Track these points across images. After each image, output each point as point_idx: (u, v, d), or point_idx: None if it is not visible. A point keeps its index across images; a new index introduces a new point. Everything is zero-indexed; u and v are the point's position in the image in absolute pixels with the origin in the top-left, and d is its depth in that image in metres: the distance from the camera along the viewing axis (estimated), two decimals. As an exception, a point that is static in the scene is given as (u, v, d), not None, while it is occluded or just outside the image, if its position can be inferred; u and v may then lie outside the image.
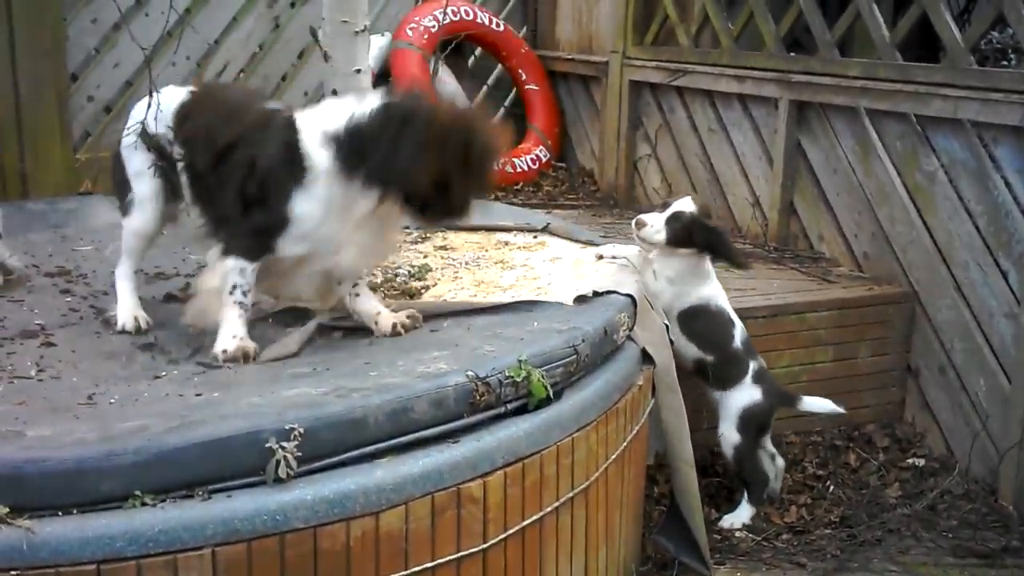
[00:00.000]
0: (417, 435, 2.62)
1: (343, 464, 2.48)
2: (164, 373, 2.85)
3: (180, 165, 3.27)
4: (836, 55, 5.18)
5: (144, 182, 3.36)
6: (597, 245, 4.17)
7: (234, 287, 3.08)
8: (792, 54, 5.62)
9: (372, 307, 3.28)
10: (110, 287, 3.65)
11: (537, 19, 7.34)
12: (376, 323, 3.24)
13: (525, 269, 3.88)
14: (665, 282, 3.95)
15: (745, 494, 4.05)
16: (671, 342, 3.71)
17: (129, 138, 3.38)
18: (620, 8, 6.47)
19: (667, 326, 3.74)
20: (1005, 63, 7.14)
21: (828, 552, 3.87)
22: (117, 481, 2.23)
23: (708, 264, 4.01)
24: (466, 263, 3.98)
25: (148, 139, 3.30)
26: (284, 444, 2.37)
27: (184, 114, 3.29)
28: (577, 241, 4.29)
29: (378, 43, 6.27)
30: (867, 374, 4.73)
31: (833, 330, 4.65)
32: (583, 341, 3.08)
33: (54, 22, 5.46)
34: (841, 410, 4.13)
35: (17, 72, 5.33)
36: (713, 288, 4.03)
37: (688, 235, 3.88)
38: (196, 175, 3.22)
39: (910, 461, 4.56)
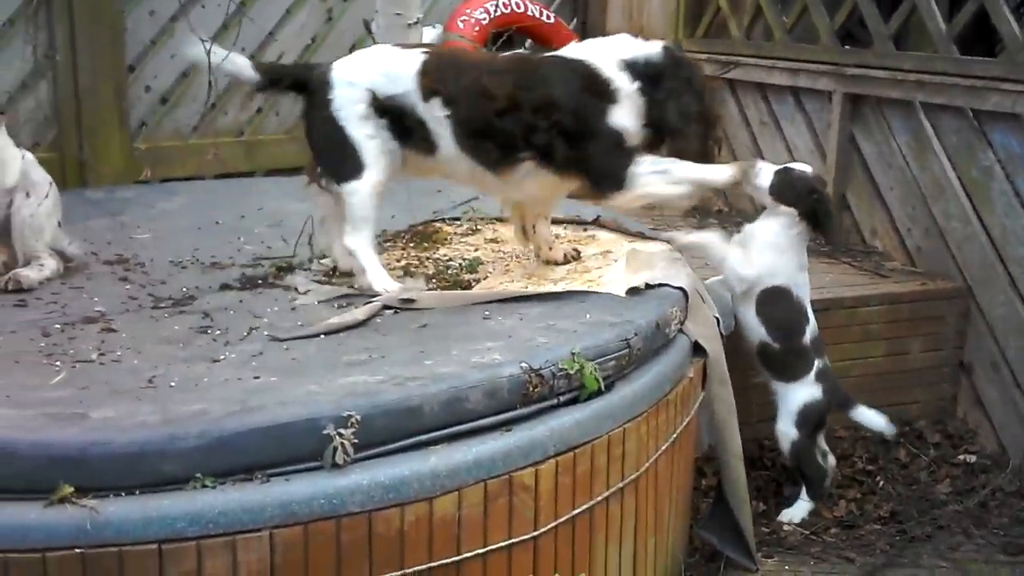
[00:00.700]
0: (471, 425, 2.65)
1: (399, 451, 2.52)
2: (222, 356, 2.89)
3: (444, 121, 3.45)
4: (891, 48, 5.14)
5: (374, 144, 3.49)
6: (648, 238, 4.17)
7: (657, 168, 3.48)
8: (846, 47, 5.57)
9: (548, 236, 3.80)
10: (168, 276, 3.73)
11: (588, 11, 7.32)
12: (550, 248, 3.80)
13: (576, 262, 3.89)
14: (759, 251, 3.89)
15: (803, 489, 4.03)
16: (722, 335, 3.71)
17: (348, 108, 3.47)
18: (670, 4, 6.46)
19: (718, 319, 3.73)
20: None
21: (877, 547, 3.85)
22: (179, 464, 2.28)
23: (805, 249, 3.97)
24: (517, 256, 3.99)
25: (381, 105, 3.46)
26: (341, 431, 2.41)
27: (434, 74, 3.46)
28: (628, 233, 4.29)
29: (429, 35, 6.29)
30: (919, 369, 4.70)
31: (885, 325, 4.62)
32: (636, 335, 3.09)
33: (113, 15, 5.54)
34: (892, 428, 4.11)
35: (77, 64, 5.41)
36: (802, 278, 3.99)
37: (792, 192, 3.85)
38: (475, 130, 3.44)
39: (961, 457, 4.53)
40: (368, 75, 3.49)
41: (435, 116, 3.46)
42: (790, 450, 4.00)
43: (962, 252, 4.70)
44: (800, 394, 3.97)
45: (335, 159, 3.54)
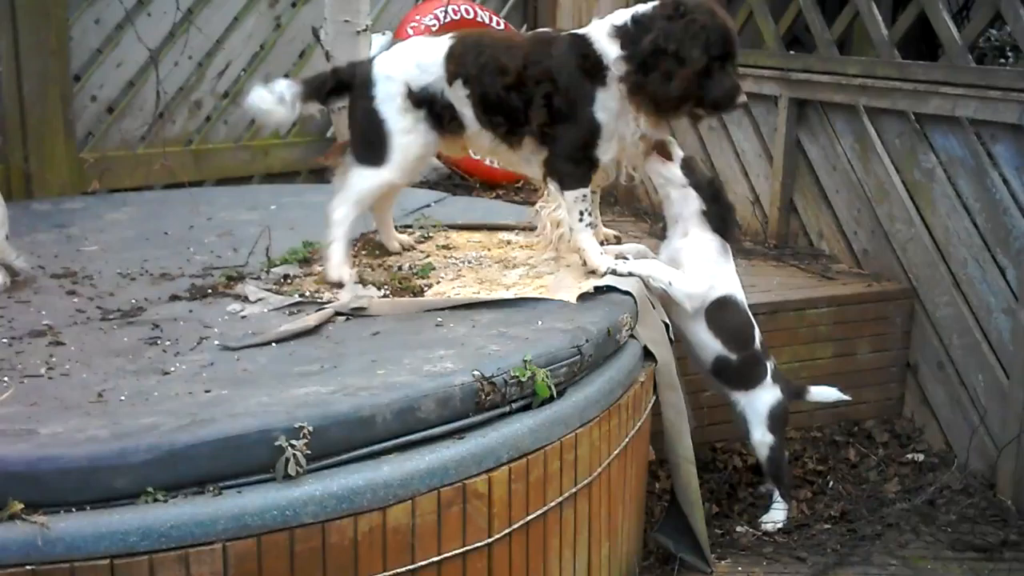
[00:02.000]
0: (424, 433, 2.66)
1: (351, 461, 2.52)
2: (172, 368, 2.88)
3: (465, 100, 3.63)
4: (835, 53, 5.22)
5: (411, 137, 3.69)
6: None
7: (581, 213, 3.63)
8: (792, 52, 5.65)
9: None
10: (116, 288, 3.70)
11: (537, 17, 7.36)
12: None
13: (527, 268, 3.91)
14: (696, 264, 3.82)
15: (776, 492, 4.05)
16: (671, 340, 3.75)
17: (390, 100, 3.66)
18: (620, 6, 6.49)
19: (667, 324, 3.77)
20: (1003, 61, 7.18)
21: (828, 547, 3.91)
22: (130, 478, 2.27)
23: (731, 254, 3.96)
24: (468, 262, 4.00)
25: (417, 97, 3.65)
26: (293, 442, 2.41)
27: (458, 57, 3.64)
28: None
29: (379, 42, 6.30)
30: (866, 370, 4.77)
31: (833, 326, 4.69)
32: (587, 341, 3.11)
33: (58, 22, 5.48)
34: (846, 397, 4.16)
35: (21, 72, 5.34)
36: (737, 283, 3.96)
37: (695, 176, 3.86)
38: (489, 104, 3.61)
39: (909, 456, 4.60)
40: (404, 68, 3.68)
41: (459, 96, 3.64)
42: (769, 456, 3.98)
43: (906, 253, 4.79)
44: (765, 398, 3.96)
45: (367, 144, 3.72)
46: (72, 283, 3.79)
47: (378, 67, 3.72)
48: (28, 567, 2.14)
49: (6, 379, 2.80)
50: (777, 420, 3.98)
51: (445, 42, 3.71)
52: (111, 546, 2.19)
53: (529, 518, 2.81)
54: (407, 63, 3.69)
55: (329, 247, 3.71)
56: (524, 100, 3.59)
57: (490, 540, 2.70)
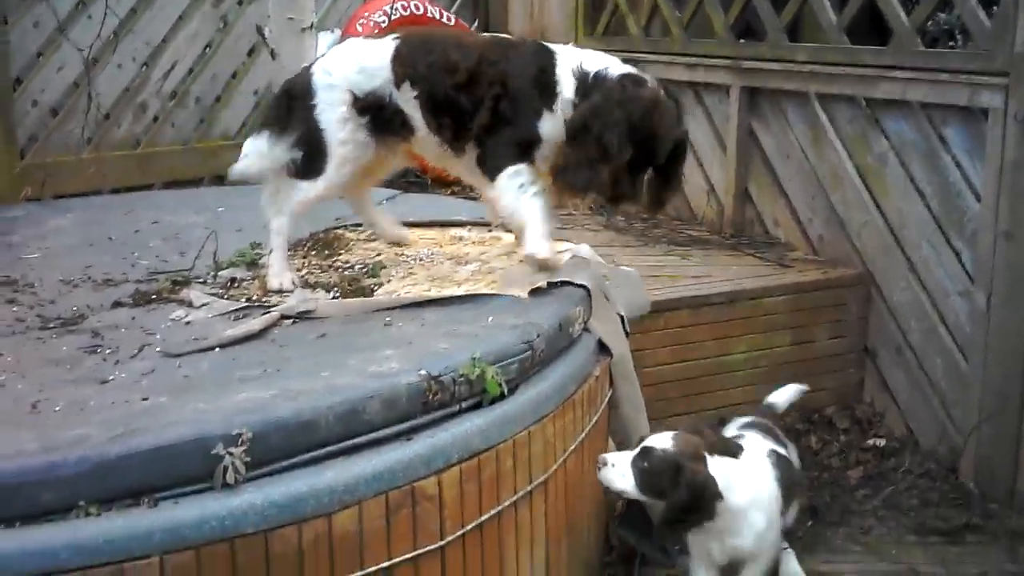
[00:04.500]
0: (369, 436, 2.58)
1: (294, 468, 2.44)
2: (111, 377, 2.79)
3: (413, 102, 3.46)
4: (785, 40, 5.20)
5: (347, 150, 3.52)
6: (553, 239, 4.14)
7: (522, 185, 3.37)
8: (742, 40, 5.62)
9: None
10: (58, 295, 3.60)
11: (488, 12, 7.30)
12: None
13: (480, 263, 3.85)
14: None
15: None
16: (627, 333, 3.70)
17: (330, 109, 3.49)
18: (570, 8, 6.47)
19: (623, 317, 3.72)
20: (952, 44, 7.19)
21: (792, 534, 3.87)
22: (59, 492, 2.18)
23: None
24: (420, 259, 3.93)
25: (360, 103, 3.48)
26: (231, 450, 2.33)
27: (405, 57, 3.47)
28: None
29: (327, 40, 6.19)
30: (825, 357, 4.76)
31: (790, 314, 4.67)
32: (538, 336, 3.05)
33: (-5, 26, 5.36)
34: (805, 387, 4.03)
35: (-42, 79, 5.22)
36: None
37: (661, 482, 3.06)
38: (436, 105, 3.44)
39: (871, 442, 4.59)
40: (347, 75, 3.50)
41: (407, 99, 3.48)
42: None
43: (861, 239, 4.77)
44: None
45: (305, 155, 3.55)
46: (12, 291, 3.68)
47: (318, 75, 3.54)
48: (-48, 588, 2.05)
49: (-63, 392, 2.70)
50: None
51: (390, 43, 3.53)
52: (40, 563, 2.10)
53: (483, 518, 2.74)
54: (350, 68, 3.51)
55: (269, 256, 3.63)
56: (473, 102, 3.41)
57: (443, 543, 2.63)
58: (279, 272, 3.58)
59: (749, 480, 3.13)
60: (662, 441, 3.09)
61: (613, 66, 3.37)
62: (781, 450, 3.42)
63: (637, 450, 3.11)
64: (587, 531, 3.39)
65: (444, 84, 3.43)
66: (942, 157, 4.38)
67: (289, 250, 4.05)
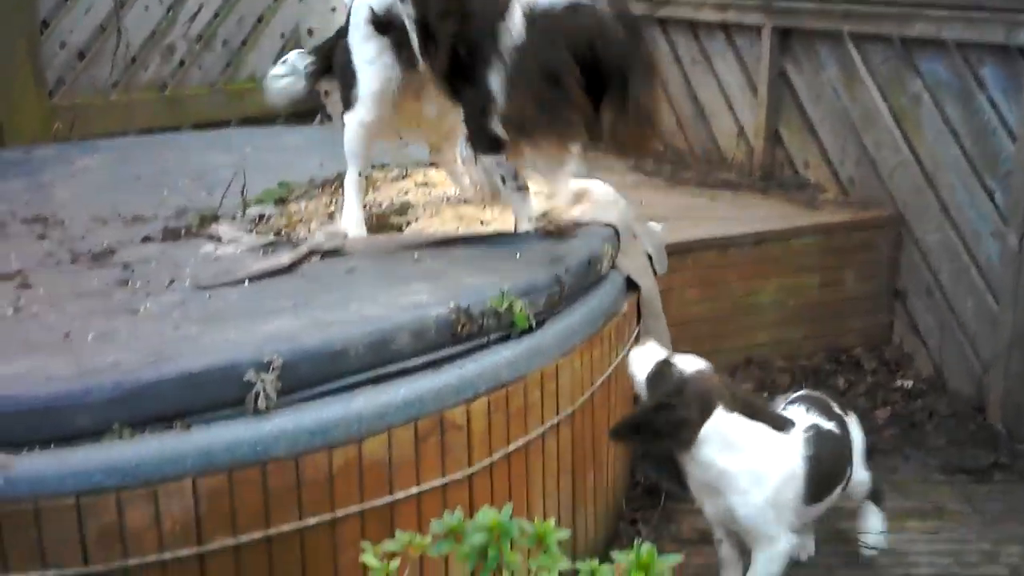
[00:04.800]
0: (398, 365, 2.60)
1: (324, 395, 2.46)
2: (142, 308, 2.81)
3: (411, 24, 3.23)
4: (818, -22, 5.11)
5: (373, 71, 3.37)
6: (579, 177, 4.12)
7: (503, 178, 3.29)
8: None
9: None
10: (87, 231, 3.62)
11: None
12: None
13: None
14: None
15: (870, 505, 3.45)
16: (655, 272, 3.69)
17: (356, 29, 3.37)
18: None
19: (651, 256, 3.71)
20: (990, -16, 7.05)
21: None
22: (94, 415, 2.22)
23: None
24: (447, 198, 3.93)
25: (379, 20, 3.30)
26: (263, 376, 2.35)
27: None
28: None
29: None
30: (854, 299, 4.72)
31: (819, 255, 4.63)
32: (567, 272, 3.05)
33: (24, -32, 5.36)
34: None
35: (-13, 20, 5.24)
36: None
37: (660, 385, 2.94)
38: (426, 32, 3.20)
39: (898, 383, 4.56)
40: None
41: (408, 15, 3.24)
42: (871, 490, 3.36)
43: (893, 180, 4.72)
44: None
45: (342, 86, 3.47)
46: (43, 228, 3.72)
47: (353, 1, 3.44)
48: (-9, 506, 2.09)
49: (-30, 322, 2.74)
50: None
51: None
52: (76, 484, 2.14)
53: (510, 449, 2.76)
54: None
55: (344, 208, 3.53)
56: (447, 33, 3.11)
57: (470, 471, 2.65)
58: (351, 222, 3.49)
59: (758, 451, 2.90)
60: (687, 361, 2.97)
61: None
62: (828, 425, 3.11)
63: (668, 355, 3.02)
64: (612, 465, 3.40)
65: (433, 8, 3.17)
66: (977, 97, 4.30)
67: (317, 188, 4.08)
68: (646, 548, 1.71)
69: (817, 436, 3.03)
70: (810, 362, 4.61)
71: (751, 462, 2.89)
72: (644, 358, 3.01)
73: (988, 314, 4.28)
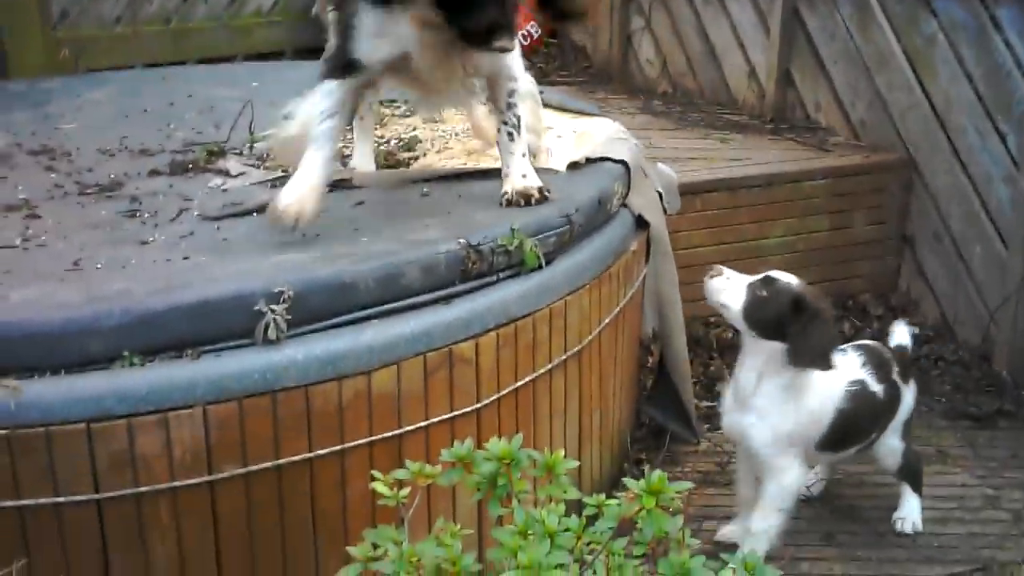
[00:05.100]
0: (408, 300, 2.59)
1: (334, 327, 2.46)
2: (151, 239, 2.81)
3: None
4: (835, -84, 5.02)
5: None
6: (590, 115, 4.09)
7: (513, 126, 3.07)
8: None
9: None
10: (95, 163, 3.60)
11: None
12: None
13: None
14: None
15: (907, 488, 3.36)
16: (664, 211, 3.67)
17: None
18: None
19: (661, 194, 3.69)
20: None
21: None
22: (104, 342, 2.22)
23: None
24: (456, 134, 3.90)
25: None
26: (273, 307, 2.35)
27: None
28: (569, 111, 4.20)
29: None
30: (863, 243, 4.70)
31: (829, 198, 4.61)
32: (576, 210, 3.03)
33: None
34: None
35: (-9, -48, 5.17)
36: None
37: (775, 315, 2.84)
38: None
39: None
40: None
41: None
42: (902, 463, 3.26)
43: (905, 123, 4.67)
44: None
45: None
46: (50, 159, 3.70)
47: None
48: (2, 431, 2.10)
49: (-22, 251, 2.73)
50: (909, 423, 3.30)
51: None
52: (87, 410, 2.15)
53: (518, 384, 2.77)
54: None
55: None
56: None
57: (479, 405, 2.67)
58: (361, 159, 3.51)
59: (798, 386, 2.90)
60: (785, 276, 2.88)
61: None
62: (875, 388, 3.06)
63: (758, 276, 2.90)
64: (618, 405, 3.41)
65: None
66: (993, 38, 4.24)
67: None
68: (657, 474, 1.71)
69: (858, 394, 3.03)
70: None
71: (788, 394, 2.91)
72: (731, 286, 2.90)
73: (997, 260, 4.26)
